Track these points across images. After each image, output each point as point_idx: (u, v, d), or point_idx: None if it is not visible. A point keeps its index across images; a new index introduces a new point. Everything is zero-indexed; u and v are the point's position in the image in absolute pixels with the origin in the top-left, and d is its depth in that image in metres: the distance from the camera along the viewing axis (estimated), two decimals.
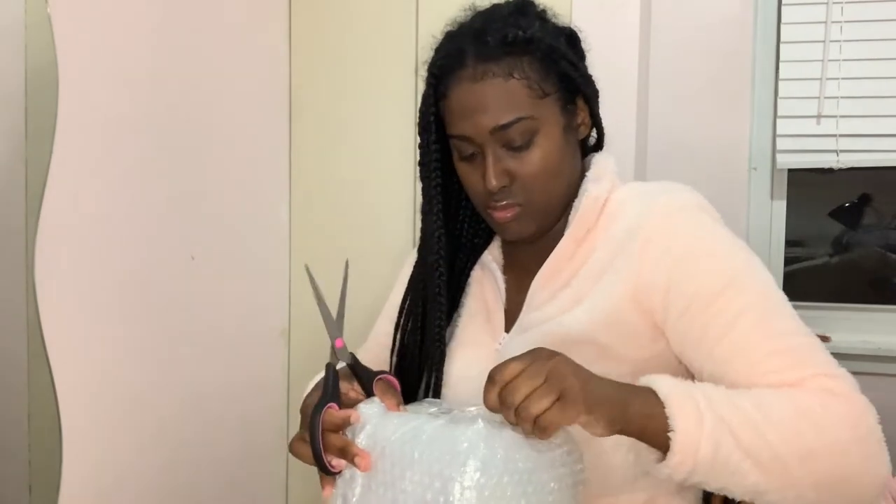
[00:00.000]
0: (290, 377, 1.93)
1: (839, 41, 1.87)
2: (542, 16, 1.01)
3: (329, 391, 0.88)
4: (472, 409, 0.85)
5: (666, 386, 0.82)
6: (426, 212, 1.05)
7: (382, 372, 0.93)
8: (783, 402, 0.83)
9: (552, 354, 0.81)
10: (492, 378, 0.79)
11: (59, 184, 1.25)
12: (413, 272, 1.12)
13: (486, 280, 1.09)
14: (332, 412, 0.85)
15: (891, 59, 1.85)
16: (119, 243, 1.39)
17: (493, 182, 0.96)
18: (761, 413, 0.82)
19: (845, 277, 2.11)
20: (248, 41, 1.77)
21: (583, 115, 1.02)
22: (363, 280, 1.86)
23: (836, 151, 1.89)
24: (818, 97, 1.89)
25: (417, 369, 1.06)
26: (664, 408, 0.80)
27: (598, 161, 1.04)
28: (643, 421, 0.81)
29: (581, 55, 1.03)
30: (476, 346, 1.05)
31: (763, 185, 2.00)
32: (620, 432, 0.81)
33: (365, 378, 0.92)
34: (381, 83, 1.84)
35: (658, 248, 0.93)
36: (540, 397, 0.75)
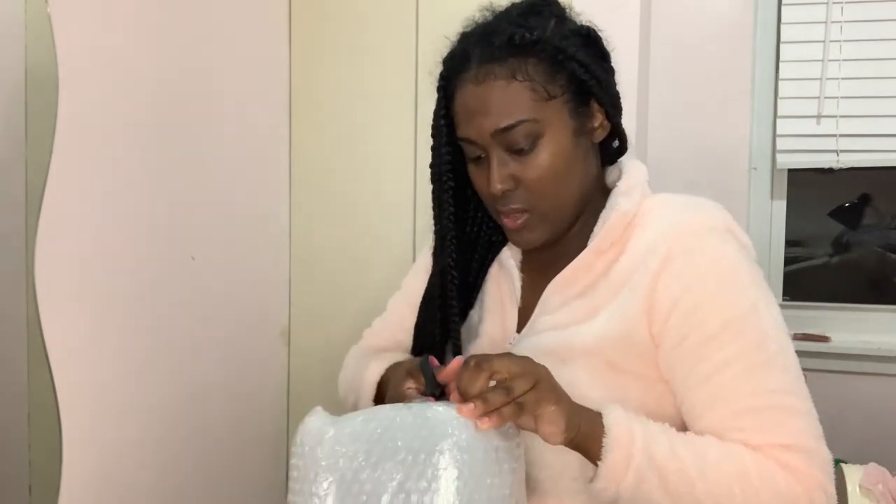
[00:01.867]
0: (290, 377, 1.93)
1: (839, 41, 1.88)
2: (559, 15, 0.98)
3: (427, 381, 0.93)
4: (417, 400, 0.88)
5: (613, 417, 0.86)
6: (437, 216, 1.05)
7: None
8: (727, 461, 0.86)
9: (529, 358, 0.86)
10: (479, 365, 0.82)
11: (59, 184, 1.25)
12: (431, 273, 1.11)
13: (503, 278, 1.08)
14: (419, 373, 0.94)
15: (891, 59, 1.86)
16: (119, 243, 1.39)
17: (497, 186, 0.94)
18: (698, 466, 0.85)
19: (845, 277, 2.11)
20: (248, 41, 1.77)
21: (599, 118, 0.98)
22: (364, 280, 1.87)
23: (836, 151, 1.89)
24: (818, 97, 1.89)
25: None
26: (605, 436, 0.85)
27: (630, 171, 1.02)
28: (587, 441, 0.85)
29: (601, 55, 1.00)
30: (490, 342, 1.05)
31: (763, 185, 2.00)
32: (570, 442, 0.85)
33: (433, 384, 0.93)
34: (381, 83, 1.84)
35: (674, 269, 0.91)
36: (522, 380, 0.81)
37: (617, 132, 1.02)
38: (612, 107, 1.00)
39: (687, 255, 0.92)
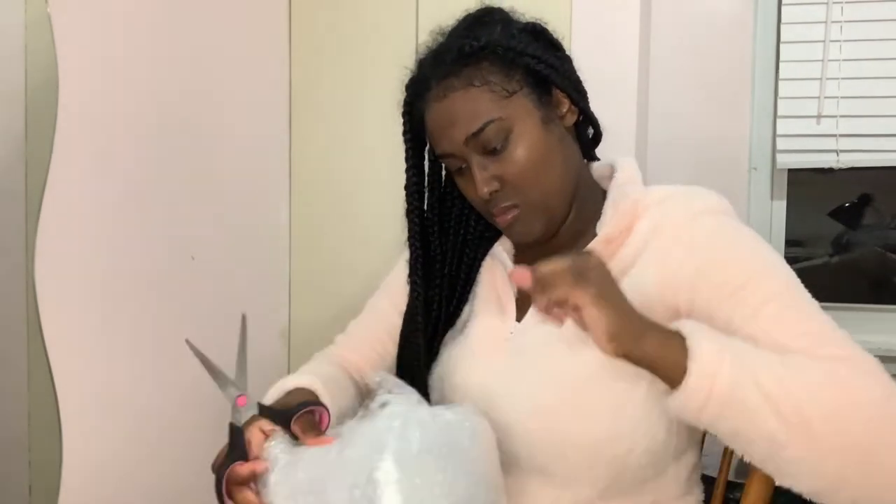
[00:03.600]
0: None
1: (839, 41, 1.88)
2: (504, 20, 1.02)
3: (234, 450, 0.88)
4: (384, 399, 0.85)
5: (691, 324, 0.83)
6: (408, 232, 1.09)
7: (302, 406, 0.90)
8: (812, 364, 0.82)
9: (596, 262, 0.84)
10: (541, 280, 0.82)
11: (59, 184, 1.25)
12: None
13: (497, 269, 1.10)
14: (237, 468, 0.87)
15: (891, 59, 1.85)
16: (119, 243, 1.39)
17: (484, 189, 0.97)
18: (787, 367, 0.80)
19: (845, 277, 2.11)
20: (248, 41, 1.77)
21: (566, 104, 1.02)
22: (363, 280, 1.87)
23: (836, 151, 1.89)
24: (818, 97, 1.89)
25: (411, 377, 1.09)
26: (686, 340, 0.80)
27: (624, 165, 1.05)
28: (661, 350, 0.81)
29: (552, 46, 1.04)
30: (487, 333, 1.06)
31: (763, 185, 2.00)
32: (631, 355, 0.81)
33: (282, 420, 0.90)
34: (381, 83, 1.83)
35: (683, 246, 0.93)
36: (563, 274, 0.80)
37: (587, 116, 1.05)
38: (576, 91, 1.03)
39: (692, 232, 0.94)
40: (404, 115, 1.05)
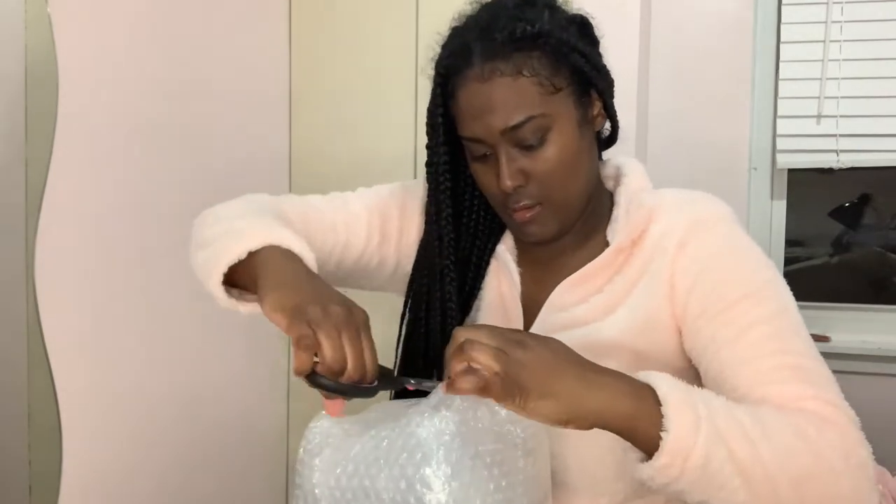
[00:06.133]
0: (289, 377, 1.93)
1: (839, 41, 1.88)
2: (551, 5, 0.97)
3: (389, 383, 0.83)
4: (433, 389, 0.82)
5: (666, 385, 0.77)
6: (434, 214, 1.02)
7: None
8: (780, 419, 0.81)
9: (542, 340, 0.78)
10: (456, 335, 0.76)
11: (59, 183, 1.25)
12: (415, 270, 1.10)
13: (502, 273, 1.07)
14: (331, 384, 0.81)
15: (891, 59, 1.86)
16: (119, 243, 1.39)
17: (508, 183, 0.92)
18: (759, 428, 0.78)
19: (845, 277, 2.11)
20: (248, 41, 1.77)
21: (598, 107, 0.98)
22: None
23: (836, 151, 1.89)
24: (818, 97, 1.89)
25: (424, 367, 1.06)
26: (661, 406, 0.75)
27: (633, 169, 1.02)
28: (633, 418, 0.76)
29: (594, 42, 0.99)
30: None
31: (763, 185, 2.00)
32: (595, 425, 0.76)
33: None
34: (381, 82, 1.84)
35: (690, 254, 0.92)
36: (480, 353, 0.72)
37: (612, 121, 1.02)
38: (610, 96, 0.99)
39: (701, 239, 0.93)
40: (437, 86, 0.96)
